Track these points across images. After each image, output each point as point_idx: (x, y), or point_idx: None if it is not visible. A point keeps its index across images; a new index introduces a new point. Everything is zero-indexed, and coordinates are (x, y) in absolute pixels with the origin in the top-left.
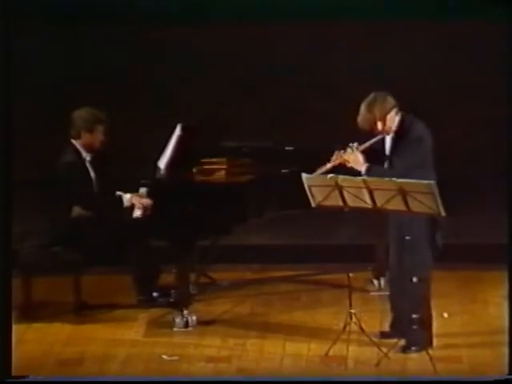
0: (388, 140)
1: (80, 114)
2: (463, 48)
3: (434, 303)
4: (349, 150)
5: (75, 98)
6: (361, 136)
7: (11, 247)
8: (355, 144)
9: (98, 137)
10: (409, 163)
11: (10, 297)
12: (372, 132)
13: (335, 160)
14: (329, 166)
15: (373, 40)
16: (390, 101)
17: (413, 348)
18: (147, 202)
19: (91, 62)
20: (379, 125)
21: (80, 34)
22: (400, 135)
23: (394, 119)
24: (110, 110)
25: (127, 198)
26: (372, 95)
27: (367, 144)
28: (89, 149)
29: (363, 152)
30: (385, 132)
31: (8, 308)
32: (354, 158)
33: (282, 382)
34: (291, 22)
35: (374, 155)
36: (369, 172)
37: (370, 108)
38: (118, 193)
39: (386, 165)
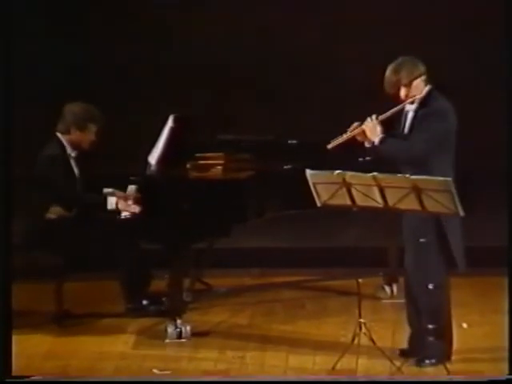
0: (410, 116)
1: (72, 109)
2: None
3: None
4: (368, 119)
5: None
6: None
7: (11, 245)
8: (374, 115)
9: (89, 137)
10: (427, 137)
11: (10, 296)
12: (395, 100)
13: (352, 130)
14: (345, 136)
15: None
16: (420, 67)
17: (428, 361)
18: (136, 207)
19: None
20: (403, 90)
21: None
22: (422, 107)
23: (420, 88)
24: (99, 102)
25: (112, 201)
26: (400, 58)
27: (388, 113)
28: (76, 146)
29: (382, 124)
30: (408, 100)
31: (8, 308)
32: (372, 126)
33: (282, 382)
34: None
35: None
36: (382, 142)
37: (396, 70)
38: (106, 190)
39: None
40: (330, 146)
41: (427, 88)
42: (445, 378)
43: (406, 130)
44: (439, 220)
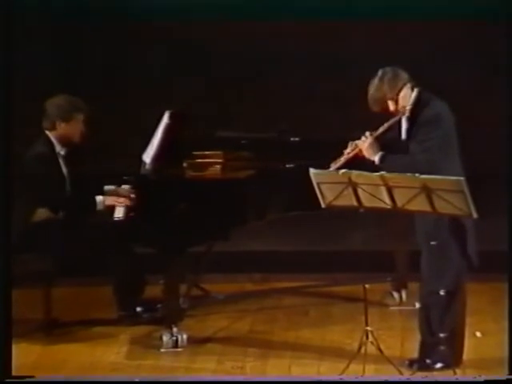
0: (404, 123)
1: (54, 102)
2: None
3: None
4: (363, 138)
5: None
6: (378, 123)
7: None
8: (368, 132)
9: (77, 127)
10: (427, 146)
11: (11, 296)
12: (386, 114)
13: (350, 152)
14: (343, 159)
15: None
16: (402, 76)
17: (437, 365)
18: (126, 200)
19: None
20: (391, 105)
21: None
22: (415, 115)
23: (407, 97)
24: (89, 97)
25: (100, 200)
26: (380, 72)
27: (381, 130)
28: (65, 142)
29: (378, 140)
30: (399, 113)
31: (8, 307)
32: (368, 146)
33: (283, 382)
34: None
35: (392, 145)
36: (383, 161)
37: (378, 86)
38: (107, 187)
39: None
40: (331, 169)
41: (415, 93)
42: (444, 377)
43: (403, 136)
44: (457, 220)
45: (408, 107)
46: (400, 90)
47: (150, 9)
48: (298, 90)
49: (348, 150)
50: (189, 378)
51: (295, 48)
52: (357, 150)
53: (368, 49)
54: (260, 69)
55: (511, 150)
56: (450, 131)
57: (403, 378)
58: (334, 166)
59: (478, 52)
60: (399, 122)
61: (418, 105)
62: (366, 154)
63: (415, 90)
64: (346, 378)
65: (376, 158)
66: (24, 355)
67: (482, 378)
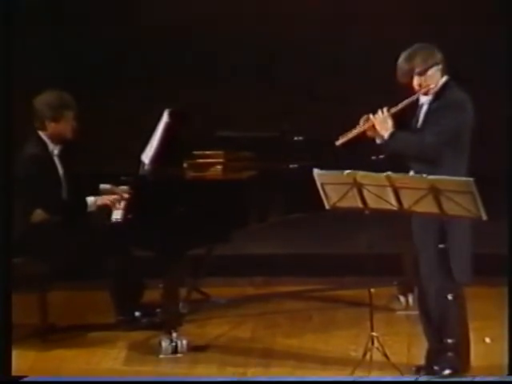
0: (424, 108)
1: (43, 100)
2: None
3: (472, 326)
4: (379, 112)
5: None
6: None
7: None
8: (385, 108)
9: (68, 124)
10: (439, 130)
11: (10, 296)
12: (409, 91)
13: (362, 125)
14: (355, 131)
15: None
16: (436, 55)
17: (445, 372)
18: (118, 197)
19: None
20: (416, 80)
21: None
22: (437, 99)
23: (435, 78)
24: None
25: (91, 201)
26: (415, 45)
27: (400, 106)
28: (57, 139)
29: (395, 118)
30: (422, 90)
31: (8, 307)
32: (382, 120)
33: (283, 382)
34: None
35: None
36: (391, 137)
37: (409, 58)
38: (103, 186)
39: None
40: (338, 143)
41: (444, 79)
42: (444, 377)
43: (420, 124)
44: (462, 223)
45: (432, 86)
46: (430, 67)
47: (150, 9)
48: (302, 88)
49: (361, 122)
50: (189, 378)
51: (297, 46)
52: (370, 124)
53: (368, 49)
54: (262, 66)
55: (511, 151)
56: (465, 125)
57: (403, 378)
58: (341, 140)
59: (477, 52)
60: (419, 110)
61: (443, 90)
62: (378, 127)
63: (445, 77)
64: (345, 377)
65: (386, 134)
66: (19, 361)
67: (482, 379)
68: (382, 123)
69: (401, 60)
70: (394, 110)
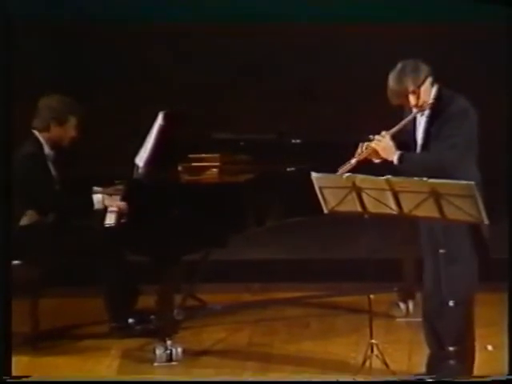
0: (422, 123)
1: (49, 103)
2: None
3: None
4: (377, 137)
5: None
6: (384, 124)
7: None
8: (383, 132)
9: (70, 131)
10: (455, 142)
11: (11, 295)
12: (404, 108)
13: (361, 153)
14: (354, 161)
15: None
16: (424, 68)
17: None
18: (124, 205)
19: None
20: (412, 99)
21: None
22: (438, 112)
23: (429, 91)
24: (83, 98)
25: (98, 198)
26: (400, 64)
27: (397, 127)
28: (55, 144)
29: (394, 139)
30: (419, 108)
31: (8, 307)
32: (385, 145)
33: (283, 382)
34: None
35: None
36: (402, 160)
37: (399, 79)
38: (96, 189)
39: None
40: (339, 174)
41: (435, 89)
42: (444, 378)
43: (420, 139)
44: (474, 226)
45: (430, 102)
46: (422, 83)
47: (149, 9)
48: (299, 89)
49: (359, 150)
50: (189, 378)
51: (295, 48)
52: (370, 151)
53: (368, 49)
54: (260, 68)
55: (511, 154)
56: (473, 132)
57: (403, 378)
58: (342, 171)
59: (477, 53)
60: (414, 126)
61: (439, 101)
62: (383, 154)
63: (435, 86)
64: (346, 378)
65: (394, 158)
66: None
67: (482, 379)
68: (385, 149)
69: (391, 83)
70: (392, 131)
